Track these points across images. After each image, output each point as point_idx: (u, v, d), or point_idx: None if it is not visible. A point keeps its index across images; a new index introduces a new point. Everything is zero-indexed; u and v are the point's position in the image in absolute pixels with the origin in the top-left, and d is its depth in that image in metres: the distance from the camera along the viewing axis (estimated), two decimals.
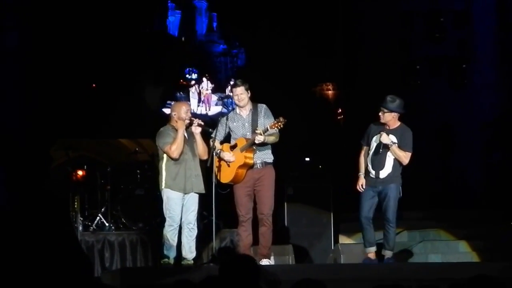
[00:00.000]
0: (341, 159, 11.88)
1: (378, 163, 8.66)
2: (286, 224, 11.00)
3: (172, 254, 8.72)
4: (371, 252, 8.77)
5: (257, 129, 8.40)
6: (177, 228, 8.69)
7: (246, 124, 8.63)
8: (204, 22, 17.88)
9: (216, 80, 17.49)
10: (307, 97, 14.89)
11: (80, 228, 11.46)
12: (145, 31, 16.85)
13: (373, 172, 8.69)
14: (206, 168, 8.73)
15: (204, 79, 17.35)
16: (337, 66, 14.44)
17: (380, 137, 8.62)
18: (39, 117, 10.35)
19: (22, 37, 10.02)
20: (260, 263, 8.32)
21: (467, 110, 13.47)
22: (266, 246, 8.64)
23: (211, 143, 8.65)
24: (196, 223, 8.84)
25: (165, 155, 8.69)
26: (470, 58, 13.49)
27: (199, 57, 17.53)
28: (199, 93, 17.28)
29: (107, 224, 11.70)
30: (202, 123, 8.78)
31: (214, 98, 17.29)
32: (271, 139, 8.52)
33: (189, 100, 16.50)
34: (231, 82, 14.40)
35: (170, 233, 8.65)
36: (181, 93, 17.03)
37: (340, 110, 15.11)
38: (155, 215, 10.96)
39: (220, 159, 8.64)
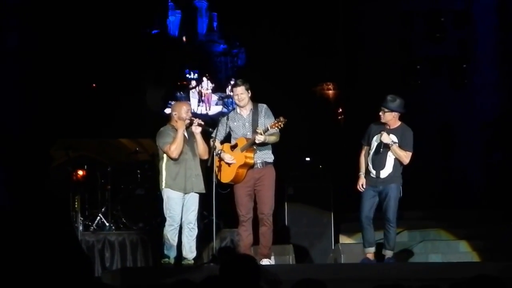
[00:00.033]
0: (342, 159, 11.87)
1: (379, 163, 8.66)
2: (286, 224, 10.99)
3: (172, 254, 8.72)
4: (370, 252, 8.77)
5: (257, 129, 8.40)
6: (178, 228, 8.69)
7: (247, 124, 8.63)
8: (204, 22, 17.87)
9: (217, 80, 17.48)
10: (307, 97, 14.88)
11: (81, 228, 11.45)
12: (146, 31, 16.85)
13: (373, 172, 8.69)
14: (207, 167, 8.73)
15: (204, 78, 17.35)
16: (337, 66, 14.44)
17: (381, 136, 8.62)
18: (39, 117, 10.35)
19: (23, 37, 10.02)
20: (261, 263, 8.32)
21: (468, 110, 13.48)
22: (266, 246, 8.64)
23: (212, 143, 8.65)
24: (196, 223, 8.84)
25: (165, 155, 8.69)
26: (471, 58, 13.50)
27: (199, 57, 17.52)
28: (199, 93, 17.28)
29: (107, 224, 11.70)
30: (202, 123, 8.78)
31: (215, 97, 17.29)
32: (272, 138, 8.52)
33: (189, 100, 16.48)
34: (232, 82, 14.39)
35: (170, 233, 8.65)
36: (181, 92, 17.02)
37: (340, 110, 15.10)
38: (155, 215, 10.96)
39: (221, 159, 8.64)
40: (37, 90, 10.29)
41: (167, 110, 14.71)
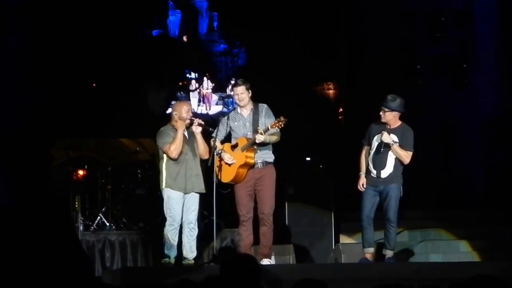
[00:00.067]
0: (342, 158, 11.88)
1: (379, 163, 8.65)
2: (287, 223, 10.99)
3: (173, 253, 8.72)
4: (369, 252, 8.77)
5: (258, 128, 8.40)
6: (178, 228, 8.68)
7: (247, 123, 8.63)
8: (204, 22, 17.87)
9: (217, 80, 17.47)
10: (308, 96, 14.88)
11: (81, 227, 11.46)
12: (146, 31, 16.84)
13: (374, 171, 8.69)
14: (207, 167, 8.73)
15: (205, 78, 17.33)
16: (338, 66, 14.43)
17: (381, 136, 8.61)
18: (39, 117, 10.35)
19: (23, 37, 10.02)
20: (261, 262, 8.32)
21: (468, 110, 13.48)
22: (267, 246, 8.63)
23: (212, 142, 8.64)
24: (196, 223, 8.84)
25: (165, 155, 8.69)
26: (471, 58, 13.50)
27: (199, 57, 17.51)
28: (199, 93, 17.27)
29: (107, 224, 11.70)
30: (203, 123, 8.78)
31: (215, 97, 17.27)
32: (273, 138, 8.53)
33: (189, 100, 16.47)
34: (232, 82, 14.38)
35: (170, 233, 8.65)
36: (181, 92, 17.01)
37: (341, 110, 15.10)
38: (155, 215, 10.95)
39: (221, 158, 8.63)
40: (37, 90, 10.29)
41: (168, 110, 14.71)
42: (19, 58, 10.01)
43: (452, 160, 13.61)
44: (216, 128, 8.71)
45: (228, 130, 8.74)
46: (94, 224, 11.69)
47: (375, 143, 8.71)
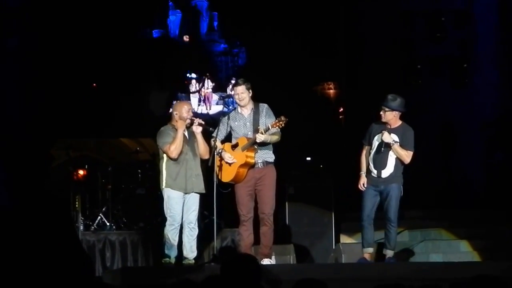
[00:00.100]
0: (342, 158, 11.87)
1: (380, 163, 8.65)
2: (287, 223, 10.99)
3: (173, 253, 8.71)
4: (368, 252, 8.77)
5: (259, 127, 8.40)
6: (178, 228, 8.68)
7: (248, 123, 8.63)
8: (205, 22, 17.86)
9: (217, 79, 17.47)
10: (308, 96, 14.87)
11: (81, 227, 11.46)
12: (146, 31, 16.83)
13: (375, 171, 8.69)
14: (207, 167, 8.73)
15: (205, 78, 17.33)
16: (338, 66, 14.43)
17: (382, 136, 8.61)
18: (39, 117, 10.34)
19: (23, 37, 10.01)
20: (261, 262, 8.32)
21: (468, 110, 13.48)
22: (267, 246, 8.64)
23: (212, 142, 8.64)
24: (197, 223, 8.84)
25: (165, 155, 8.69)
26: (471, 58, 13.50)
27: (199, 57, 17.50)
28: (200, 93, 17.26)
29: (108, 224, 11.70)
30: (203, 123, 8.77)
31: (215, 97, 17.27)
32: (274, 138, 8.53)
33: (189, 99, 16.46)
34: (232, 81, 14.39)
35: (171, 233, 8.64)
36: (183, 94, 17.00)
37: (341, 110, 15.09)
38: (156, 215, 10.96)
39: (221, 158, 8.63)
40: (37, 90, 10.29)
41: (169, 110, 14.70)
42: (19, 58, 10.00)
43: (452, 160, 13.61)
44: (217, 128, 8.71)
45: (228, 130, 8.74)
46: (95, 224, 11.69)
47: (375, 143, 8.71)
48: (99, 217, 11.76)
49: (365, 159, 8.82)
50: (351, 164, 9.29)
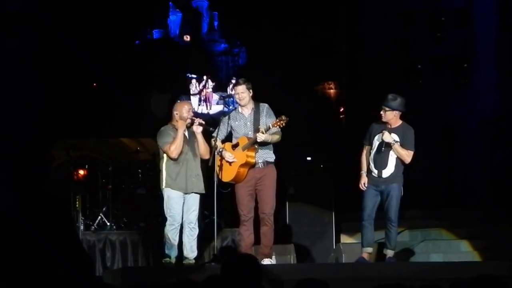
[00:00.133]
0: (343, 158, 11.87)
1: (381, 162, 8.65)
2: (287, 223, 10.99)
3: (173, 253, 8.71)
4: (367, 252, 8.76)
5: (259, 127, 8.40)
6: (178, 228, 8.68)
7: (248, 123, 8.63)
8: (205, 22, 17.86)
9: (217, 79, 17.47)
10: (308, 96, 14.88)
11: (82, 227, 11.47)
12: (147, 31, 16.84)
13: (375, 171, 8.68)
14: (207, 167, 8.73)
15: (205, 78, 17.33)
16: (339, 65, 14.44)
17: (382, 135, 8.61)
18: (40, 116, 10.34)
19: (23, 37, 10.00)
20: (262, 262, 8.31)
21: (469, 109, 13.47)
22: (267, 246, 8.63)
23: (213, 142, 8.64)
24: (197, 223, 8.83)
25: (165, 155, 8.69)
26: (472, 58, 13.49)
27: (200, 57, 17.51)
28: (200, 92, 17.27)
29: (108, 224, 11.71)
30: (203, 122, 8.77)
31: (216, 97, 17.27)
32: (275, 138, 8.52)
33: (189, 99, 16.47)
34: (233, 81, 14.39)
35: (171, 233, 8.64)
36: (184, 97, 17.00)
37: (341, 109, 15.10)
38: (156, 215, 10.96)
39: (222, 157, 8.63)
40: (37, 90, 10.28)
41: None
42: (19, 58, 10.00)
43: (452, 159, 13.60)
44: (217, 127, 8.70)
45: (229, 129, 8.74)
46: (95, 224, 11.70)
47: (376, 143, 8.71)
48: (99, 217, 11.77)
49: (366, 159, 8.82)
50: (352, 164, 9.28)
